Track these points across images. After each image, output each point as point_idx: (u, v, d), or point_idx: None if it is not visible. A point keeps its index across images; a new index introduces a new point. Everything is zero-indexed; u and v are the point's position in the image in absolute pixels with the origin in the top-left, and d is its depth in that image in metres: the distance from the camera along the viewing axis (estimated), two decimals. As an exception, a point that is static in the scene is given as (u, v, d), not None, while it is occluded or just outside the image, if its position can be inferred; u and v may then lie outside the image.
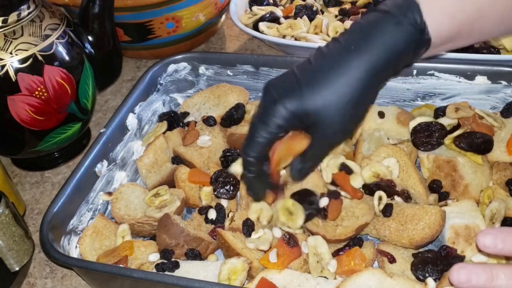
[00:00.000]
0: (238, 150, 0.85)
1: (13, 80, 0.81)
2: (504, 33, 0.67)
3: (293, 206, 0.72)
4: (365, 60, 0.59)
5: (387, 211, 0.73)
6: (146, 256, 0.74)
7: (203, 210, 0.79)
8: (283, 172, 0.75)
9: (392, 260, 0.69)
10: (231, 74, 0.99)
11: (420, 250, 0.72)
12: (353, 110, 0.61)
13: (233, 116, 0.91)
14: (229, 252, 0.72)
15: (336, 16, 1.18)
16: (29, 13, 0.83)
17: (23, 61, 0.81)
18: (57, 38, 0.85)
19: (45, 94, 0.83)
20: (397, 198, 0.76)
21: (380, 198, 0.73)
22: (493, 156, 0.80)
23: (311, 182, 0.78)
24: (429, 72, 0.89)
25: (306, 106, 0.60)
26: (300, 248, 0.70)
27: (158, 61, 0.99)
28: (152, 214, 0.77)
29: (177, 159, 0.88)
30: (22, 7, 0.82)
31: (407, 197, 0.76)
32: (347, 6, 1.22)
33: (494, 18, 0.62)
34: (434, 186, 0.78)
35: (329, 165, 0.80)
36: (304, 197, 0.74)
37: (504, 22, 0.63)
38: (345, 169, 0.78)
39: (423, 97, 0.92)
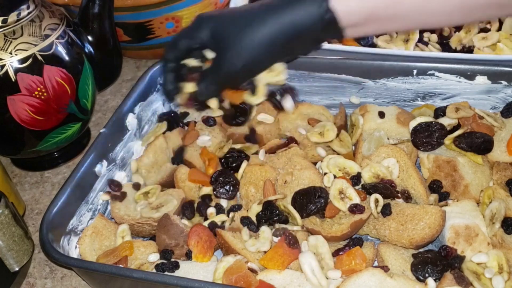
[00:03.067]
0: (238, 151, 0.85)
1: (13, 80, 0.81)
2: (437, 25, 0.69)
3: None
4: (279, 17, 0.65)
5: (386, 210, 0.73)
6: (146, 256, 0.74)
7: (203, 210, 0.79)
8: None
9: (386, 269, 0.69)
10: (231, 74, 0.99)
11: (420, 250, 0.72)
12: (256, 51, 0.66)
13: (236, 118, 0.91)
14: (229, 252, 0.72)
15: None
16: (28, 13, 0.83)
17: (22, 61, 0.81)
18: (57, 38, 0.85)
19: (45, 94, 0.83)
20: (397, 199, 0.76)
21: (376, 201, 0.73)
22: (493, 156, 0.80)
23: (308, 179, 0.78)
24: (429, 72, 0.89)
25: (221, 27, 0.68)
26: (300, 248, 0.70)
27: (158, 61, 0.99)
28: (149, 215, 0.77)
29: (177, 159, 0.88)
30: (21, 7, 0.82)
31: (407, 197, 0.76)
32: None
33: (415, 5, 0.61)
34: (434, 186, 0.78)
35: (329, 165, 0.80)
36: (308, 195, 0.74)
37: (428, 11, 0.62)
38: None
39: (423, 97, 0.92)
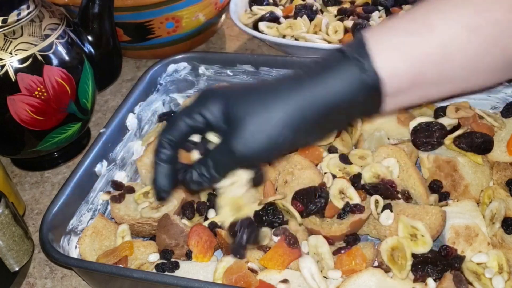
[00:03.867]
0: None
1: (13, 80, 0.81)
2: (483, 84, 0.58)
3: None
4: (306, 93, 0.55)
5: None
6: (146, 256, 0.74)
7: (202, 210, 0.79)
8: None
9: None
10: (231, 74, 0.99)
11: (420, 250, 0.72)
12: (276, 133, 0.55)
13: None
14: (229, 252, 0.72)
15: (335, 16, 1.18)
16: (28, 13, 0.83)
17: (22, 61, 0.81)
18: (57, 38, 0.85)
19: (45, 94, 0.83)
20: (398, 199, 0.76)
21: (376, 202, 0.73)
22: (493, 156, 0.80)
23: (308, 178, 0.78)
24: (429, 72, 0.89)
25: (235, 105, 0.57)
26: (300, 248, 0.70)
27: (158, 61, 0.99)
28: (149, 215, 0.77)
29: (177, 159, 0.88)
30: (21, 7, 0.82)
31: (407, 197, 0.76)
32: (346, 5, 1.22)
33: (466, 63, 0.53)
34: (434, 186, 0.78)
35: (329, 165, 0.80)
36: (308, 195, 0.74)
37: (479, 69, 0.54)
38: (344, 161, 0.80)
39: (423, 97, 0.92)
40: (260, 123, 0.55)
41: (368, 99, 0.55)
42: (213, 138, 0.61)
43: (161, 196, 0.64)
